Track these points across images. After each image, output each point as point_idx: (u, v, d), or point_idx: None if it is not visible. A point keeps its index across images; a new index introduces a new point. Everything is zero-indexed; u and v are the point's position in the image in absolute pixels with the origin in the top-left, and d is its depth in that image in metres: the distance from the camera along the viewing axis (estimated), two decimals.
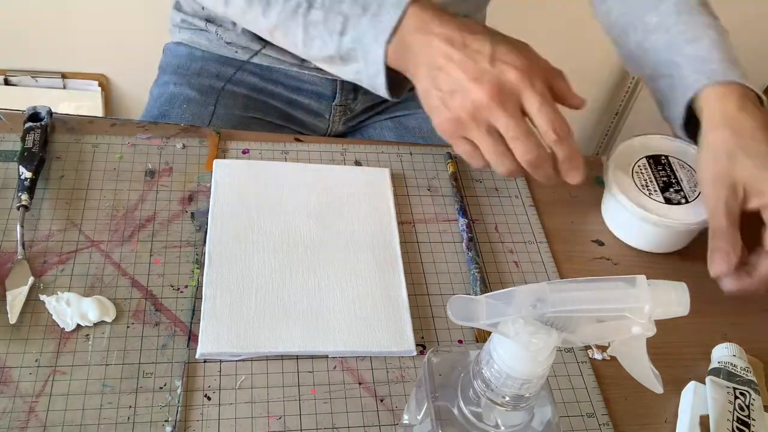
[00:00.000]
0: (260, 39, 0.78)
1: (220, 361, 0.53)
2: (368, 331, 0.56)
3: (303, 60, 0.79)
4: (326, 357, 0.55)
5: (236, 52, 0.83)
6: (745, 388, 0.55)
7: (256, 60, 0.81)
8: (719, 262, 0.59)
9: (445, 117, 0.57)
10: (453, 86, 0.56)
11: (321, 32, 0.60)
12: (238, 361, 0.53)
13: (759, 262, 0.59)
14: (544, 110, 0.55)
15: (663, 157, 0.70)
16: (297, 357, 0.54)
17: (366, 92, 0.85)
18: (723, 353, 0.58)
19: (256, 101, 0.85)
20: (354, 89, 0.84)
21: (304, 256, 0.60)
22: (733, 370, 0.56)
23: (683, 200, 0.66)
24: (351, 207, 0.64)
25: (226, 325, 0.54)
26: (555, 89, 0.58)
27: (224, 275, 0.57)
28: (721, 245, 0.59)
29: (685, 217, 0.64)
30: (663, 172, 0.68)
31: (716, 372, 0.56)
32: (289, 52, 0.78)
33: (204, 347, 0.53)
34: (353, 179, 0.67)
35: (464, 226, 0.65)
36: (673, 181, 0.67)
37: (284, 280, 0.58)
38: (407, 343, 0.56)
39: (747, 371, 0.56)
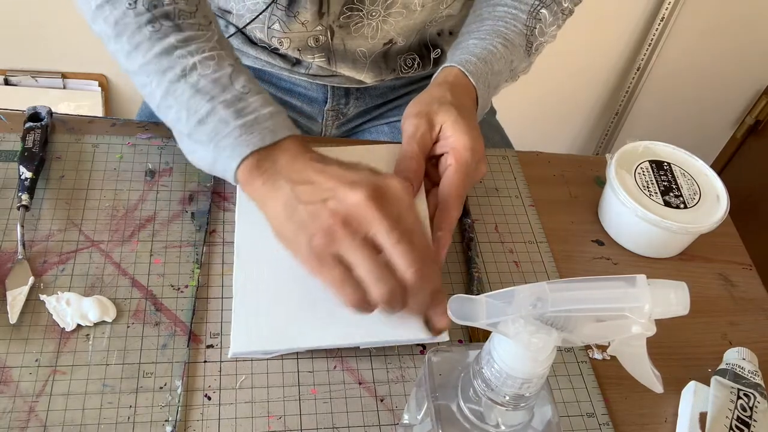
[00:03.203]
0: (251, 42, 0.78)
1: (220, 361, 0.53)
2: (400, 319, 0.53)
3: (293, 65, 0.79)
4: (326, 357, 0.55)
5: None
6: (751, 390, 0.55)
7: (247, 62, 0.81)
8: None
9: (314, 231, 0.49)
10: (325, 194, 0.49)
11: (181, 107, 0.54)
12: (239, 360, 0.53)
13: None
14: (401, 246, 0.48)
15: (666, 164, 0.70)
16: (297, 357, 0.54)
17: (359, 98, 0.84)
18: (733, 356, 0.58)
19: None
20: (346, 95, 0.84)
21: None
22: (740, 372, 0.56)
23: (682, 205, 0.66)
24: None
25: (255, 324, 0.53)
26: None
27: (252, 273, 0.56)
28: (405, 168, 0.59)
29: (683, 220, 0.64)
30: (664, 177, 0.69)
31: (723, 373, 0.56)
32: (279, 56, 0.78)
33: (236, 347, 0.52)
34: (375, 157, 0.62)
35: (464, 226, 0.65)
36: (674, 186, 0.68)
37: None
38: None
39: (755, 375, 0.56)
